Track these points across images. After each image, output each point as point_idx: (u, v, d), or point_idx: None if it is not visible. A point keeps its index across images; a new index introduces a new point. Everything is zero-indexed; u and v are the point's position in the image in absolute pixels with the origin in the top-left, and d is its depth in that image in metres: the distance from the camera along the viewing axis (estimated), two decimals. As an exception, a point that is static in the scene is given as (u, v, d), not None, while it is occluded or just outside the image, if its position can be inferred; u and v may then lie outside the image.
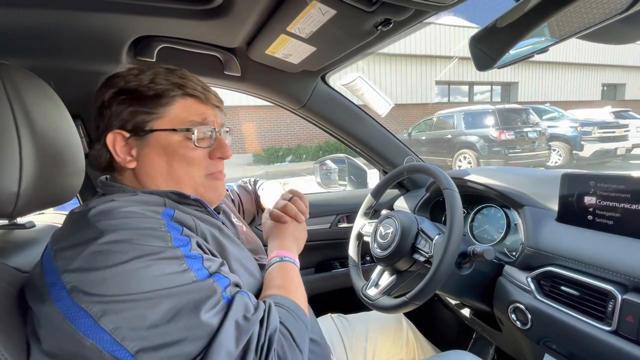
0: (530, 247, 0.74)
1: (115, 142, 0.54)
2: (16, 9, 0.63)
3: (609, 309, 0.57)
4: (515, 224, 0.89)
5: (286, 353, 0.44)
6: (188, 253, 0.44)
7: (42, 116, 0.51)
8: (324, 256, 1.37)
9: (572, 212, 0.71)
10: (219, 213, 0.67)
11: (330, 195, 1.42)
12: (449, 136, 7.50)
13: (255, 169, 9.40)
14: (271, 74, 1.01)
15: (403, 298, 0.71)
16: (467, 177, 0.98)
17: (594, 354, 0.59)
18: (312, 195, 1.39)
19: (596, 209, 0.67)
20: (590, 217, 0.68)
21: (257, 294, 0.58)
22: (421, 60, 11.53)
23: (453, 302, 1.04)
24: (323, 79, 1.11)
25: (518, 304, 0.71)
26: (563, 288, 0.65)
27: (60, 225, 0.70)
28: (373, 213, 1.04)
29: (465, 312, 0.99)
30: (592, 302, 0.60)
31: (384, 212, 1.05)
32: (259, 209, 1.01)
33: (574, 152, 6.90)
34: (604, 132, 6.80)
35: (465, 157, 7.16)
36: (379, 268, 0.89)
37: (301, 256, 1.33)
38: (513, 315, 0.73)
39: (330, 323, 0.94)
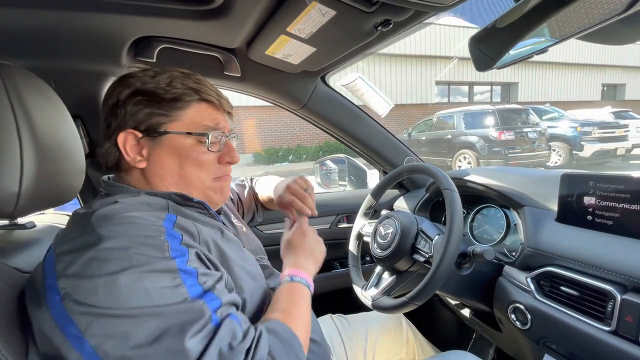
0: (530, 247, 0.74)
1: (127, 141, 0.54)
2: (17, 10, 0.63)
3: (609, 309, 0.57)
4: (515, 224, 0.89)
5: None
6: (184, 266, 0.43)
7: (42, 116, 0.51)
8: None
9: (571, 212, 0.71)
10: (219, 214, 0.67)
11: (330, 196, 1.42)
12: (449, 136, 7.50)
13: (255, 169, 9.40)
14: (271, 75, 1.02)
15: (403, 298, 0.71)
16: (467, 178, 0.98)
17: (593, 354, 0.59)
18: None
19: (596, 209, 0.67)
20: (589, 217, 0.68)
21: (260, 298, 0.58)
22: (421, 61, 11.53)
23: (453, 302, 1.04)
24: (323, 79, 1.11)
25: (518, 304, 0.71)
26: (563, 288, 0.65)
27: (60, 226, 0.71)
28: (373, 213, 1.04)
29: (465, 312, 0.99)
30: (591, 302, 0.60)
31: (383, 212, 1.05)
32: (258, 204, 1.01)
33: (573, 152, 6.90)
34: (603, 133, 6.80)
35: (465, 158, 7.16)
36: (378, 268, 0.89)
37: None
38: (513, 316, 0.73)
39: (330, 323, 0.94)
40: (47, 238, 0.63)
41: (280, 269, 0.80)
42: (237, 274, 0.54)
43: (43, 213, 0.84)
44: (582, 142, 6.78)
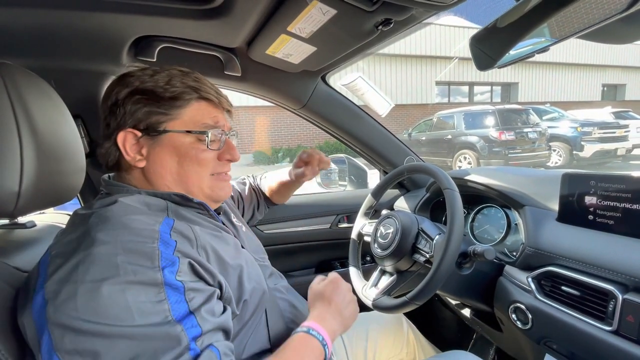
0: (531, 247, 0.74)
1: (126, 140, 0.54)
2: (17, 9, 0.63)
3: (610, 309, 0.57)
4: (516, 224, 0.89)
5: None
6: (172, 279, 0.41)
7: (43, 116, 0.51)
8: (325, 256, 1.37)
9: (572, 212, 0.71)
10: (219, 214, 0.67)
11: (331, 196, 1.42)
12: (449, 136, 7.50)
13: (256, 169, 9.41)
14: (271, 74, 1.02)
15: (403, 298, 0.71)
16: (467, 177, 0.98)
17: (594, 354, 0.59)
18: (312, 196, 1.39)
19: (597, 208, 0.67)
20: (590, 217, 0.68)
21: (259, 299, 0.58)
22: (421, 61, 11.53)
23: (453, 302, 1.03)
24: (323, 79, 1.11)
25: (518, 304, 0.71)
26: (564, 288, 0.65)
27: (60, 225, 0.71)
28: (373, 213, 1.04)
29: (466, 312, 0.99)
30: (592, 302, 0.60)
31: (384, 212, 1.05)
32: (260, 200, 1.02)
33: (574, 152, 6.90)
34: (604, 133, 6.79)
35: (465, 158, 7.16)
36: (379, 268, 0.89)
37: (302, 256, 1.34)
38: (513, 315, 0.73)
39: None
40: (47, 237, 0.63)
41: (279, 269, 0.80)
42: (236, 277, 0.54)
43: (43, 212, 0.84)
44: (583, 143, 6.78)
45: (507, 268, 0.78)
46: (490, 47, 0.64)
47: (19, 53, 0.77)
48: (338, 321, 0.60)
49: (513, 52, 0.62)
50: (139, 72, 0.56)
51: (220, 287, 0.49)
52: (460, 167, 7.18)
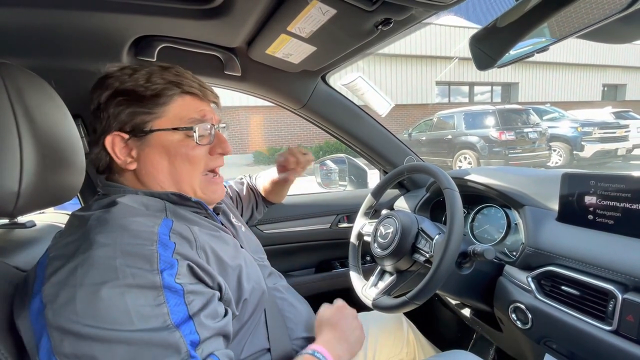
0: (531, 246, 0.74)
1: (115, 144, 0.53)
2: (17, 9, 0.63)
3: (610, 309, 0.57)
4: (516, 224, 0.89)
5: None
6: (171, 282, 0.41)
7: (42, 116, 0.51)
8: (325, 256, 1.37)
9: (572, 212, 0.71)
10: (217, 214, 0.67)
11: (331, 195, 1.42)
12: (449, 136, 7.50)
13: (256, 169, 9.39)
14: (271, 74, 1.02)
15: (403, 298, 0.71)
16: (467, 177, 0.98)
17: (594, 353, 0.59)
18: (312, 196, 1.39)
19: (596, 208, 0.67)
20: (590, 216, 0.68)
21: (258, 299, 0.58)
22: (421, 61, 11.54)
23: (453, 302, 1.03)
24: (323, 78, 1.11)
25: (518, 304, 0.71)
26: (563, 288, 0.65)
27: (60, 225, 0.71)
28: (373, 213, 1.04)
29: (466, 312, 0.99)
30: (592, 301, 0.60)
31: (384, 212, 1.05)
32: (258, 199, 1.01)
33: (574, 152, 6.90)
34: (604, 133, 6.79)
35: (465, 158, 7.16)
36: (379, 268, 0.89)
37: (302, 256, 1.33)
38: (513, 315, 0.73)
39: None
40: (47, 237, 0.63)
41: (279, 269, 0.80)
42: (235, 277, 0.53)
43: (43, 212, 0.84)
44: (583, 143, 6.78)
45: (507, 268, 0.78)
46: (490, 46, 0.64)
47: (19, 53, 0.77)
48: (344, 347, 0.61)
49: (513, 52, 0.62)
50: (117, 72, 0.55)
51: (220, 289, 0.49)
52: (460, 167, 7.18)
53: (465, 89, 13.22)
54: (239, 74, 0.98)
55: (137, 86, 0.53)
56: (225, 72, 0.96)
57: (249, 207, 0.99)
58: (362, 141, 1.22)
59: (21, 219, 0.62)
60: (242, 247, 0.64)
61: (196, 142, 0.55)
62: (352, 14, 0.66)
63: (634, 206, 0.61)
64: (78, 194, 0.96)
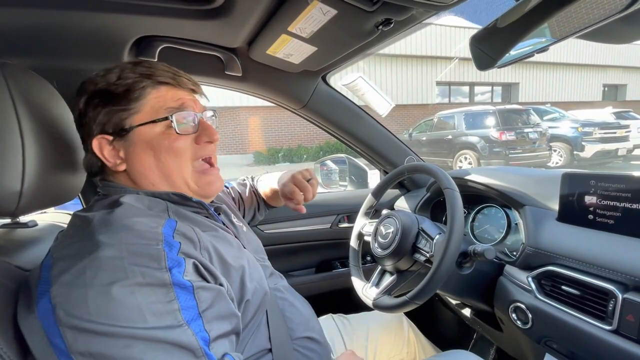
0: (531, 246, 0.74)
1: (102, 147, 0.53)
2: (19, 9, 0.64)
3: (610, 308, 0.57)
4: (516, 224, 0.89)
5: None
6: (179, 279, 0.41)
7: (45, 115, 0.52)
8: (325, 256, 1.37)
9: (572, 212, 0.71)
10: (219, 214, 0.67)
11: (331, 196, 1.42)
12: (450, 137, 7.49)
13: (256, 170, 9.41)
14: (272, 74, 1.02)
15: (404, 297, 0.71)
16: (467, 177, 0.98)
17: (594, 353, 0.59)
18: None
19: (597, 208, 0.67)
20: (590, 216, 0.68)
21: (261, 299, 0.58)
22: (422, 61, 11.53)
23: (454, 301, 1.04)
24: (324, 79, 1.11)
25: (519, 304, 0.71)
26: (564, 287, 0.65)
27: (62, 225, 0.71)
28: (374, 213, 1.04)
29: (466, 312, 0.99)
30: (592, 301, 0.60)
31: (384, 212, 1.05)
32: (260, 202, 1.01)
33: (574, 152, 6.89)
34: (605, 133, 6.78)
35: (466, 158, 7.16)
36: (379, 268, 0.89)
37: (302, 256, 1.33)
38: (514, 315, 0.73)
39: (331, 323, 0.94)
40: (49, 237, 0.63)
41: (280, 269, 0.80)
42: (238, 278, 0.53)
43: (45, 212, 0.85)
44: (583, 143, 6.77)
45: (507, 268, 0.78)
46: (490, 47, 0.64)
47: (21, 53, 0.77)
48: None
49: (513, 52, 0.62)
50: (92, 76, 0.54)
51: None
52: (460, 167, 7.17)
53: (466, 89, 13.22)
54: (240, 74, 0.98)
55: (110, 85, 0.52)
56: (226, 73, 0.96)
57: (251, 208, 0.99)
58: (362, 141, 1.22)
59: (23, 218, 0.63)
60: (244, 247, 0.64)
61: (176, 132, 0.54)
62: (353, 15, 0.66)
63: (634, 206, 0.61)
64: (79, 194, 0.96)
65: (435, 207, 1.13)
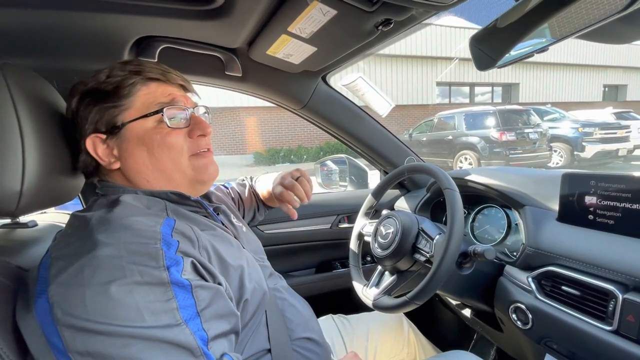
0: (531, 247, 0.74)
1: (95, 146, 0.53)
2: (19, 10, 0.64)
3: (610, 309, 0.57)
4: (516, 224, 0.89)
5: None
6: (177, 278, 0.41)
7: (44, 116, 0.52)
8: (325, 256, 1.37)
9: (572, 212, 0.71)
10: (218, 214, 0.67)
11: (331, 196, 1.42)
12: (450, 137, 7.49)
13: (256, 170, 9.41)
14: (272, 74, 1.02)
15: (404, 298, 0.71)
16: (467, 177, 0.98)
17: (595, 353, 0.59)
18: (312, 196, 1.39)
19: (597, 208, 0.67)
20: (591, 216, 0.68)
21: (260, 299, 0.58)
22: (422, 61, 11.54)
23: (454, 302, 1.03)
24: (324, 79, 1.11)
25: (519, 304, 0.71)
26: (564, 288, 0.65)
27: (61, 225, 0.71)
28: (374, 213, 1.04)
29: (466, 312, 0.99)
30: (593, 301, 0.60)
31: (384, 212, 1.05)
32: (259, 202, 1.01)
33: (575, 153, 6.89)
34: (605, 133, 6.78)
35: (466, 158, 7.16)
36: (379, 268, 0.89)
37: (302, 257, 1.33)
38: (514, 315, 0.73)
39: (331, 323, 0.94)
40: (49, 237, 0.63)
41: (280, 269, 0.80)
42: (237, 278, 0.53)
43: (44, 212, 0.85)
44: (584, 143, 6.77)
45: (508, 268, 0.78)
46: (490, 47, 0.64)
47: (21, 53, 0.77)
48: None
49: (513, 52, 0.62)
50: (84, 77, 0.55)
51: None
52: (461, 167, 7.17)
53: (466, 89, 13.22)
54: (240, 75, 0.98)
55: (100, 83, 0.53)
56: (226, 73, 0.97)
57: (250, 209, 0.99)
58: (362, 142, 1.22)
59: (23, 218, 0.63)
60: (243, 247, 0.64)
61: (168, 126, 0.54)
62: (353, 15, 0.66)
63: (634, 206, 0.61)
64: (79, 194, 0.96)
65: (436, 208, 1.13)
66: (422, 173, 0.87)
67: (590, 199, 0.68)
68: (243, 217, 0.95)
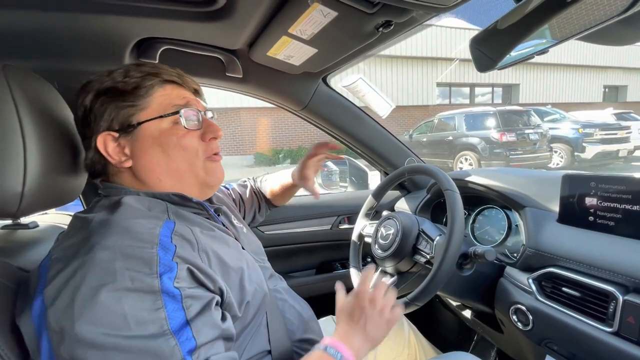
0: (531, 248, 0.74)
1: (107, 144, 0.53)
2: (21, 11, 0.64)
3: (610, 310, 0.57)
4: (517, 225, 0.89)
5: None
6: (169, 287, 0.41)
7: (46, 117, 0.52)
8: (325, 257, 1.37)
9: (573, 213, 0.71)
10: (219, 215, 0.67)
11: (332, 197, 1.42)
12: (450, 138, 7.49)
13: (256, 171, 9.41)
14: (273, 76, 1.02)
15: (404, 299, 0.71)
16: (468, 178, 0.98)
17: (595, 355, 0.59)
18: (313, 197, 1.39)
19: (597, 210, 0.67)
20: (591, 218, 0.68)
21: (260, 300, 0.58)
22: (422, 62, 11.54)
23: (454, 303, 1.03)
24: (324, 80, 1.11)
25: (519, 305, 0.71)
26: (564, 289, 0.65)
27: (62, 226, 0.71)
28: (374, 214, 1.04)
29: (467, 313, 0.99)
30: (593, 303, 0.60)
31: (385, 213, 1.05)
32: (262, 202, 1.01)
33: (575, 153, 6.88)
34: (605, 134, 6.78)
35: (466, 159, 7.15)
36: (380, 269, 0.89)
37: (302, 257, 1.33)
38: (514, 317, 0.73)
39: (331, 324, 0.94)
40: (50, 238, 0.63)
41: (280, 270, 0.80)
42: (237, 280, 0.53)
43: (45, 213, 0.85)
44: (584, 144, 6.77)
45: (508, 269, 0.78)
46: (490, 48, 0.64)
47: (22, 55, 0.78)
48: (361, 338, 0.55)
49: (513, 54, 0.62)
50: (97, 76, 0.55)
51: (222, 293, 0.48)
52: (461, 168, 7.17)
53: (466, 90, 13.22)
54: (241, 76, 0.98)
55: (117, 82, 0.53)
56: (227, 74, 0.97)
57: (251, 210, 0.99)
58: (363, 142, 1.22)
59: (24, 219, 0.63)
60: (243, 248, 0.64)
61: (184, 127, 0.55)
62: (353, 16, 0.66)
63: (635, 207, 0.61)
64: (80, 195, 0.96)
65: (436, 209, 1.13)
66: (423, 174, 0.87)
67: (590, 200, 0.68)
68: (243, 218, 0.95)
